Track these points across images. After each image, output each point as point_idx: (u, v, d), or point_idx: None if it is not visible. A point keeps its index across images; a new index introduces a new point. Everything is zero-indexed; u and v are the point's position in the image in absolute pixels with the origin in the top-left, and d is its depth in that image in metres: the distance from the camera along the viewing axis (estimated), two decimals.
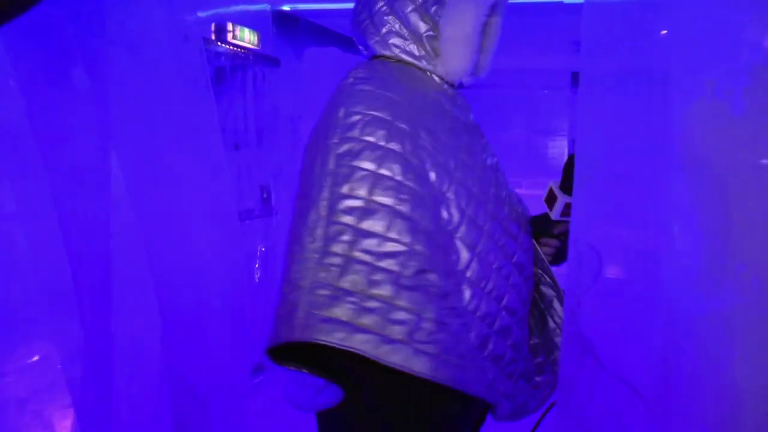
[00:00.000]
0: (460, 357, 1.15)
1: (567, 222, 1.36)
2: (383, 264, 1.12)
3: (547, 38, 5.99)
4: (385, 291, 1.12)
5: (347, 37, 5.42)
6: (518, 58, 7.06)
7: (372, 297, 1.10)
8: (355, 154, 1.18)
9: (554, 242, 1.43)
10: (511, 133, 7.57)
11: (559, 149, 7.42)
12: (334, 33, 5.09)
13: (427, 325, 1.12)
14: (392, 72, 1.33)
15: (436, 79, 1.39)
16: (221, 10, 3.90)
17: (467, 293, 1.21)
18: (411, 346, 1.10)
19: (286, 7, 4.43)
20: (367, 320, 1.09)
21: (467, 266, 1.23)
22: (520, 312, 1.33)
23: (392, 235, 1.14)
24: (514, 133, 7.55)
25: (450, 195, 1.23)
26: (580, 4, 1.24)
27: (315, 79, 4.81)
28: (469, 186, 1.28)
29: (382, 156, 1.19)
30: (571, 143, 7.43)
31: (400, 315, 1.11)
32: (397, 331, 1.10)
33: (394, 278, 1.12)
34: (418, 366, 1.09)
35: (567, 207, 1.39)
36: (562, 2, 4.29)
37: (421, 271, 1.14)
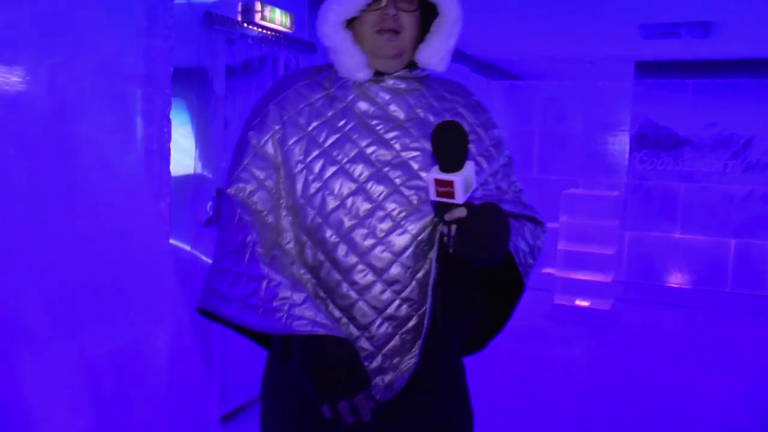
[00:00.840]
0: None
1: (450, 204, 1.23)
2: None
3: (609, 23, 5.43)
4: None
5: None
6: (577, 46, 6.51)
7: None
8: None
9: (445, 229, 1.26)
10: (567, 128, 7.02)
11: (619, 145, 6.84)
12: None
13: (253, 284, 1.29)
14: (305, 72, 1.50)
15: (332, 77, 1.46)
16: None
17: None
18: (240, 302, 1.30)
19: None
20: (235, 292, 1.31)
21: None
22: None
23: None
24: (571, 127, 7.00)
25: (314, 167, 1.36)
26: None
27: None
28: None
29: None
30: (633, 139, 6.85)
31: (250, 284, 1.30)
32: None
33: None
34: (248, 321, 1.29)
35: (440, 184, 1.22)
36: None
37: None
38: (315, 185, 1.33)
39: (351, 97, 1.40)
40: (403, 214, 1.32)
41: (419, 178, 1.35)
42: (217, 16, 3.22)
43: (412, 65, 1.43)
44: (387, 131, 1.38)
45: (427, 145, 1.34)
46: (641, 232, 6.83)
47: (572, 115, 7.07)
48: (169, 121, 2.63)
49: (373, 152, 1.35)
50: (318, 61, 3.92)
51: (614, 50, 6.69)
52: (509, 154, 1.52)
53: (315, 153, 1.35)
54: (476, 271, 1.44)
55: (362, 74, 1.38)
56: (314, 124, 1.38)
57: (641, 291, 6.75)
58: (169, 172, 2.65)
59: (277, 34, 3.62)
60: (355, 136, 1.36)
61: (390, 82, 1.41)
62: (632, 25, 5.33)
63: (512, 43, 6.52)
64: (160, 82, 2.58)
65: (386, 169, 1.34)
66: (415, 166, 1.36)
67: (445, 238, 1.25)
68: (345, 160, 1.34)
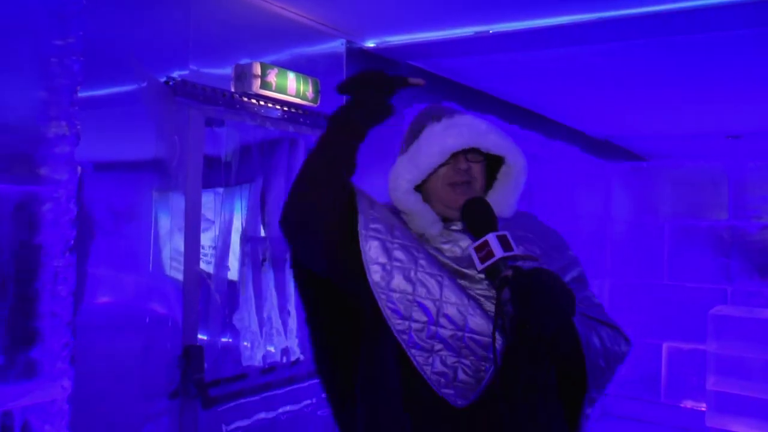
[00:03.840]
0: None
1: (496, 268, 1.28)
2: None
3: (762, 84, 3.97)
4: None
5: (466, 86, 3.38)
6: (715, 117, 5.03)
7: None
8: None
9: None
10: (707, 219, 5.49)
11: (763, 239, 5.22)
12: (447, 80, 3.42)
13: None
14: None
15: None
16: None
17: None
18: None
19: (370, 43, 2.83)
20: None
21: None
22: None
23: None
24: (713, 217, 5.47)
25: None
26: None
27: None
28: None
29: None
30: None
31: None
32: None
33: None
34: None
35: (479, 249, 1.30)
36: None
37: None
38: None
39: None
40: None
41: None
42: (187, 84, 2.10)
43: None
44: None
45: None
46: None
47: (713, 203, 5.55)
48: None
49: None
50: (364, 152, 2.73)
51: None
52: (582, 270, 1.54)
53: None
54: (549, 350, 1.36)
55: (434, 228, 1.44)
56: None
57: None
58: None
59: (294, 110, 2.46)
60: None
61: (459, 225, 1.45)
62: None
63: (634, 117, 5.13)
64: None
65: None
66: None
67: (502, 300, 1.26)
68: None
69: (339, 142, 1.44)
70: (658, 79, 3.57)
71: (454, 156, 1.41)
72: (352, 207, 1.38)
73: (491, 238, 1.28)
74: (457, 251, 1.42)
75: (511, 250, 1.28)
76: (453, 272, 1.39)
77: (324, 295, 1.48)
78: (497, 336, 1.28)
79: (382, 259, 1.34)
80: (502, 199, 1.47)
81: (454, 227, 1.44)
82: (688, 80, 3.60)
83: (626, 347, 1.47)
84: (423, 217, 1.42)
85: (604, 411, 5.66)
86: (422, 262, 1.36)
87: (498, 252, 1.27)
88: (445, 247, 1.43)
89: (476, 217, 1.34)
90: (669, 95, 4.16)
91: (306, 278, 1.48)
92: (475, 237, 1.32)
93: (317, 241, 1.38)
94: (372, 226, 1.36)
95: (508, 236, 1.30)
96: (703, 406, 4.88)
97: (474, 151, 1.43)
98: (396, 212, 1.47)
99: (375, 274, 1.33)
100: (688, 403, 5.28)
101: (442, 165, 1.41)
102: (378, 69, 1.49)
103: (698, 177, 5.65)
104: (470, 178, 1.42)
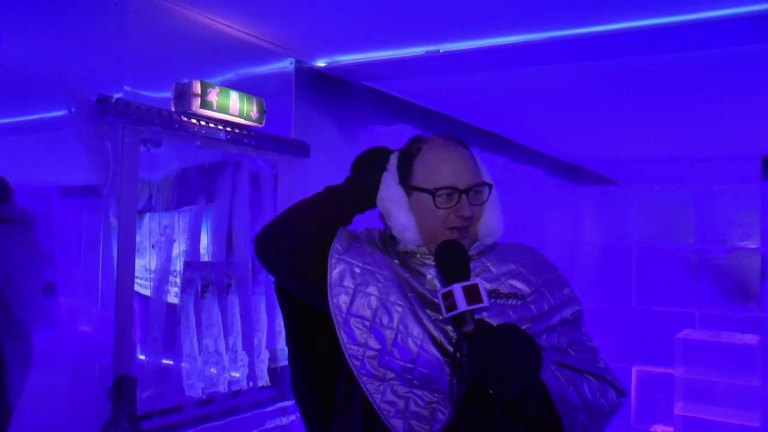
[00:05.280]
0: None
1: (460, 319, 1.24)
2: None
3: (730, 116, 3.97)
4: None
5: (424, 108, 3.29)
6: (684, 142, 5.03)
7: None
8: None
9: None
10: (674, 243, 5.47)
11: (749, 265, 5.21)
12: (404, 102, 3.36)
13: None
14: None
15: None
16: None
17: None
18: None
19: (320, 63, 2.77)
20: None
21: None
22: None
23: None
24: (680, 241, 5.45)
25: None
26: None
27: None
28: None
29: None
30: (766, 258, 5.21)
31: None
32: None
33: None
34: None
35: (445, 297, 1.26)
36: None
37: None
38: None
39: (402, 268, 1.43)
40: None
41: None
42: (120, 103, 2.02)
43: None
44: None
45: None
46: None
47: (681, 227, 5.53)
48: None
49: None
50: (309, 165, 2.67)
51: (734, 143, 5.16)
52: (579, 310, 1.46)
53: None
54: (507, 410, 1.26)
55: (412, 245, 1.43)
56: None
57: None
58: None
59: (238, 131, 2.39)
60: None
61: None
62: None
63: (603, 142, 5.12)
64: None
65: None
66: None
67: (458, 354, 1.24)
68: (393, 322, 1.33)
69: (342, 211, 1.45)
70: (623, 101, 3.55)
71: (457, 199, 1.38)
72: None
73: (456, 288, 1.25)
74: (436, 283, 1.39)
75: (480, 302, 1.24)
76: (425, 302, 1.36)
77: (303, 317, 1.46)
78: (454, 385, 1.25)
79: (347, 283, 1.33)
80: (495, 223, 1.45)
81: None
82: (655, 102, 3.58)
83: (617, 399, 1.41)
84: (413, 236, 1.41)
85: None
86: (391, 290, 1.33)
87: (461, 305, 1.23)
88: (429, 275, 1.40)
89: (447, 264, 1.31)
90: (636, 118, 4.15)
91: (286, 298, 1.47)
92: (444, 282, 1.30)
93: (288, 264, 1.37)
94: (342, 251, 1.36)
95: (479, 286, 1.25)
96: (671, 431, 4.81)
97: (478, 192, 1.41)
98: (378, 234, 1.48)
99: (336, 297, 1.31)
100: (659, 428, 5.21)
101: (441, 207, 1.38)
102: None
103: (666, 201, 5.64)
104: (470, 221, 1.39)
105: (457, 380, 1.24)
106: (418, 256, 1.41)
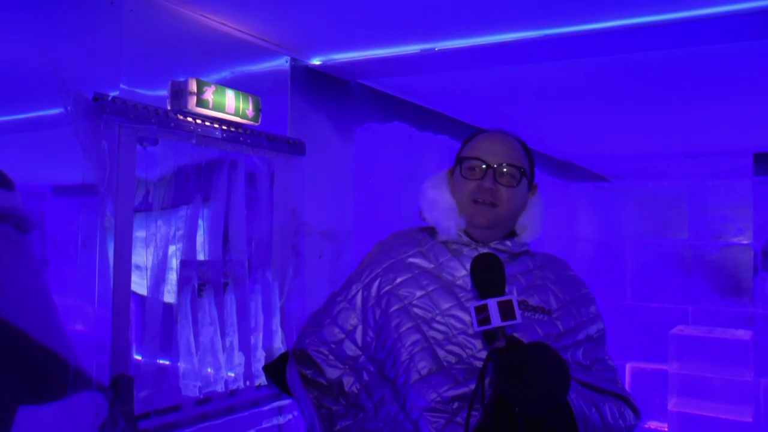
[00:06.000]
0: None
1: (492, 333, 1.26)
2: None
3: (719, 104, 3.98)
4: None
5: (418, 106, 3.29)
6: (677, 138, 5.05)
7: None
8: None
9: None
10: (668, 239, 5.49)
11: (741, 262, 5.24)
12: (399, 100, 3.36)
13: None
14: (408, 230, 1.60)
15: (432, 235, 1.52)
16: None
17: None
18: None
19: (315, 61, 2.76)
20: None
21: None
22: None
23: None
24: (673, 238, 5.47)
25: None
26: None
27: (367, 172, 3.10)
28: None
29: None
30: (759, 253, 5.24)
31: None
32: None
33: None
34: None
35: (478, 311, 1.28)
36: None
37: None
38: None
39: (442, 260, 1.45)
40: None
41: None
42: (117, 102, 2.01)
43: (512, 233, 1.50)
44: (468, 299, 1.39)
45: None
46: None
47: (674, 223, 5.56)
48: None
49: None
50: (305, 163, 2.66)
51: (726, 139, 5.17)
52: (602, 328, 1.48)
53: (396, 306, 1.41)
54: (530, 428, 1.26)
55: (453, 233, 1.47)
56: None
57: None
58: None
59: (234, 129, 2.39)
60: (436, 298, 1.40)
61: (482, 250, 1.44)
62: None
63: (596, 139, 5.14)
64: None
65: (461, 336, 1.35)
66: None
67: (487, 369, 1.24)
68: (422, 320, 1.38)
69: None
70: (616, 98, 3.56)
71: (481, 174, 1.42)
72: None
73: (492, 304, 1.25)
74: (463, 271, 1.43)
75: (513, 318, 1.24)
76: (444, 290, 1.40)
77: None
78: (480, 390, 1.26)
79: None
80: (534, 221, 1.49)
81: (476, 248, 1.46)
82: (648, 99, 3.59)
83: (634, 420, 1.42)
84: (449, 220, 1.46)
85: None
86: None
87: (495, 320, 1.24)
88: (464, 270, 1.44)
89: (483, 277, 1.32)
90: (629, 115, 4.16)
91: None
92: (479, 296, 1.31)
93: None
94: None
95: (513, 302, 1.26)
96: (666, 427, 4.84)
97: (508, 173, 1.43)
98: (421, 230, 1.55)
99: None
100: (653, 424, 5.24)
101: (469, 179, 1.44)
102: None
103: (660, 197, 5.66)
104: (495, 199, 1.42)
105: (480, 390, 1.25)
106: (455, 245, 1.46)
